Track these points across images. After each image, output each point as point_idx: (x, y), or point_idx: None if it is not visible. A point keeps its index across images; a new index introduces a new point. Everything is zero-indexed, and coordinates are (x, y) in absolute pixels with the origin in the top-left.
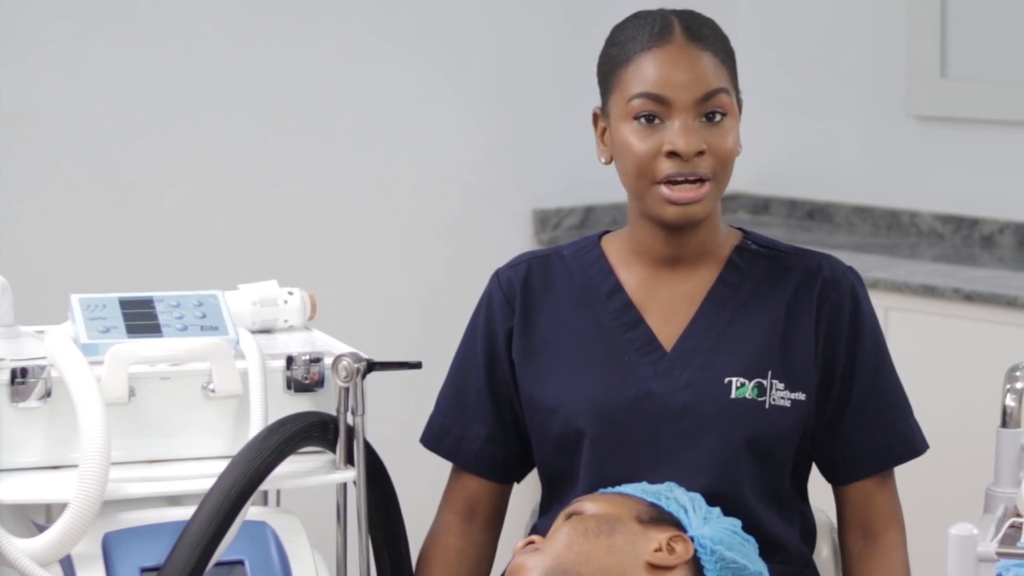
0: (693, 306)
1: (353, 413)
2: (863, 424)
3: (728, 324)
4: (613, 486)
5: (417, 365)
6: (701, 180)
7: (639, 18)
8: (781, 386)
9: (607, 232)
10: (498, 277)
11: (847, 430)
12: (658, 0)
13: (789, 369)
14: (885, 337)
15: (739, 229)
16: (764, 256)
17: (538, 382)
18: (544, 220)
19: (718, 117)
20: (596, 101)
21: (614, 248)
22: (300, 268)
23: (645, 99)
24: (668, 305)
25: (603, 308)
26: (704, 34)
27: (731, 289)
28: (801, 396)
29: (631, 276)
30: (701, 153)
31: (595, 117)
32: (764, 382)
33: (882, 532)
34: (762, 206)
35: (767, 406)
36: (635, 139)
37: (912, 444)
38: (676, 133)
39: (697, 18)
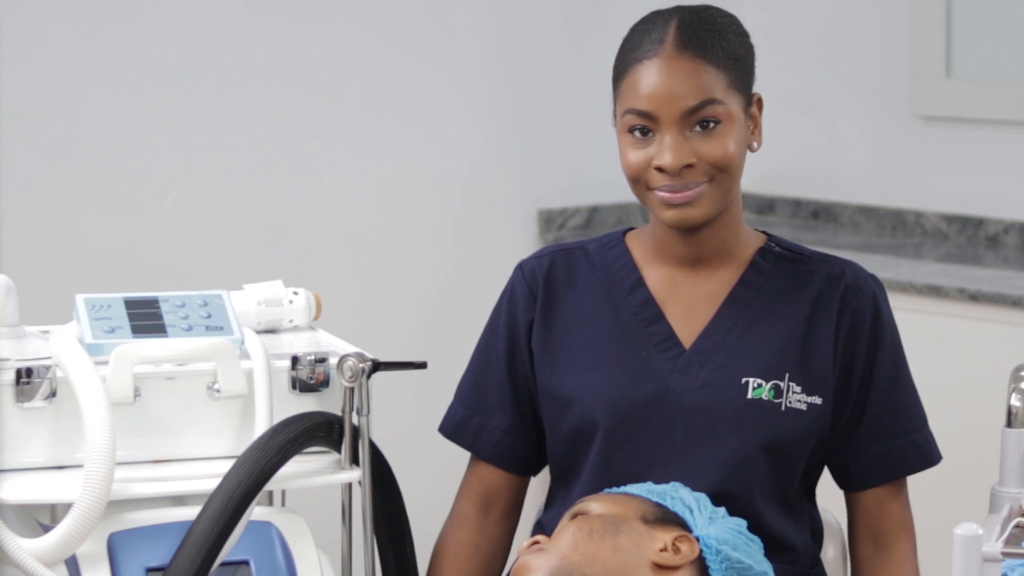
0: (714, 305)
1: (358, 413)
2: (879, 432)
3: (748, 325)
4: (624, 482)
5: (422, 365)
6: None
7: (646, 22)
8: (798, 389)
9: (632, 229)
10: (522, 269)
11: (862, 437)
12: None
13: (807, 373)
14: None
15: (764, 232)
16: (787, 260)
17: (555, 374)
18: (549, 220)
19: (711, 125)
20: (597, 100)
21: (637, 246)
22: (303, 268)
23: (635, 115)
24: (689, 304)
25: (624, 303)
26: (701, 38)
27: (752, 290)
28: (817, 400)
29: (653, 274)
30: (690, 166)
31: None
32: (781, 384)
33: (893, 541)
34: (767, 206)
35: (783, 408)
36: (629, 151)
37: (927, 454)
38: (664, 148)
39: (699, 20)
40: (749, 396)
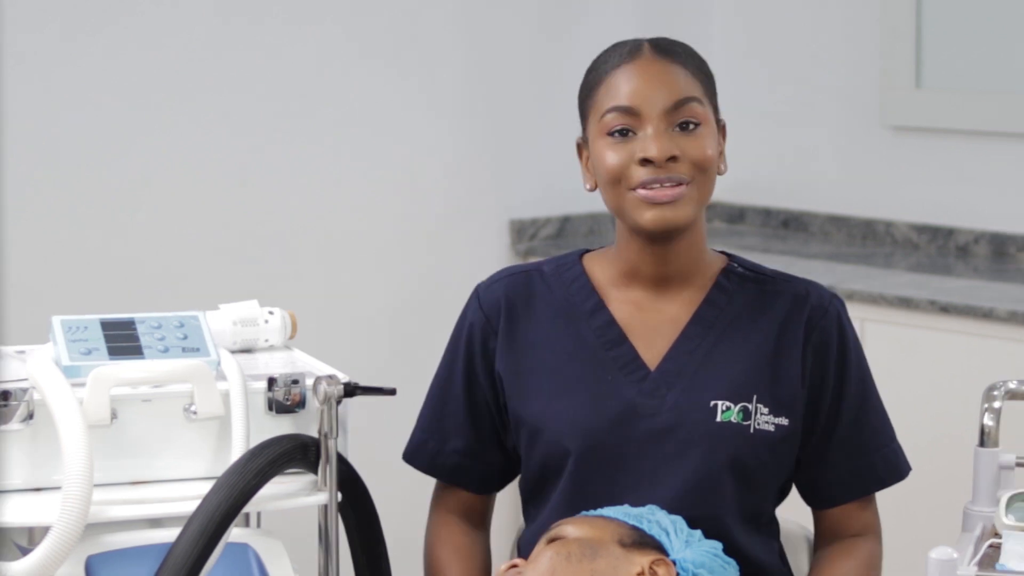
0: (678, 327)
1: (326, 437)
2: (849, 450)
3: (713, 346)
4: (595, 504)
5: (391, 392)
6: (679, 184)
7: (613, 46)
8: (766, 411)
9: (588, 251)
10: (478, 296)
11: (833, 456)
12: (634, 24)
13: (774, 394)
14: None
15: (724, 253)
16: (751, 280)
17: (524, 401)
18: (521, 230)
19: (691, 126)
20: (568, 111)
21: (598, 269)
22: (276, 283)
23: (616, 112)
24: (653, 327)
25: (586, 325)
26: (675, 50)
27: (717, 311)
28: (784, 421)
29: (617, 297)
30: (675, 159)
31: (579, 147)
32: (749, 406)
33: (858, 540)
34: (737, 215)
35: (752, 430)
36: (609, 152)
37: (897, 468)
38: (648, 140)
39: (669, 40)
40: (718, 419)
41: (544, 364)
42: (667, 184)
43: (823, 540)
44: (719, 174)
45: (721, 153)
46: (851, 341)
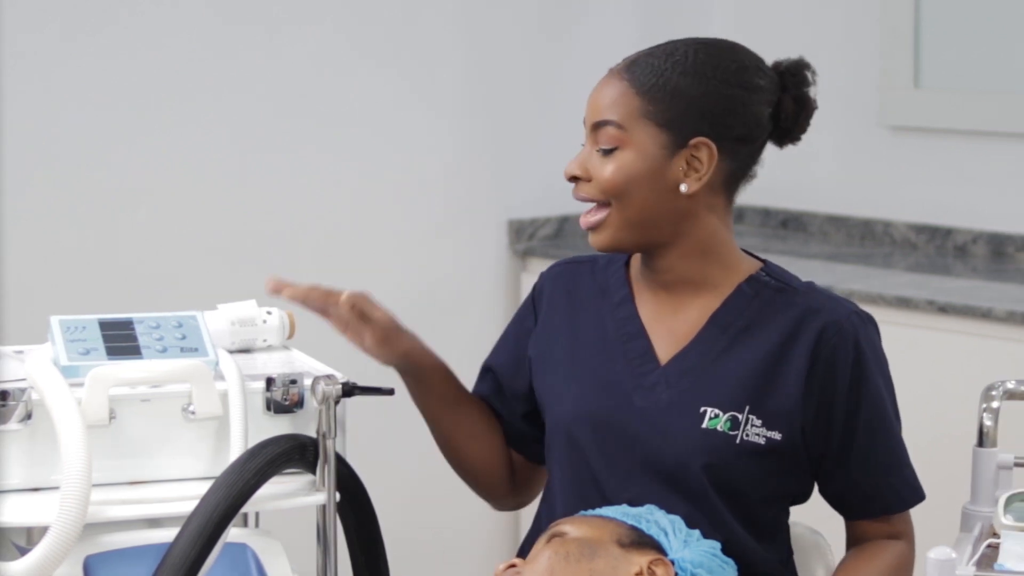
0: (694, 330)
1: (324, 437)
2: (868, 470)
3: (721, 353)
4: (587, 491)
5: (389, 392)
6: (601, 206)
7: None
8: (758, 423)
9: None
10: (534, 285)
11: (853, 475)
12: (634, 24)
13: (769, 407)
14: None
15: (762, 260)
16: (772, 289)
17: (540, 380)
18: (520, 230)
19: (610, 148)
20: (567, 111)
21: (636, 265)
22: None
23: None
24: (671, 326)
25: (610, 316)
26: (646, 64)
27: (731, 317)
28: (777, 436)
29: (646, 293)
30: (576, 179)
31: None
32: (739, 416)
33: (888, 542)
34: (736, 215)
35: (738, 440)
36: None
37: (917, 490)
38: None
39: (672, 51)
40: (704, 426)
41: (564, 349)
42: (588, 206)
43: (852, 543)
44: (681, 192)
45: (688, 172)
46: (870, 361)
